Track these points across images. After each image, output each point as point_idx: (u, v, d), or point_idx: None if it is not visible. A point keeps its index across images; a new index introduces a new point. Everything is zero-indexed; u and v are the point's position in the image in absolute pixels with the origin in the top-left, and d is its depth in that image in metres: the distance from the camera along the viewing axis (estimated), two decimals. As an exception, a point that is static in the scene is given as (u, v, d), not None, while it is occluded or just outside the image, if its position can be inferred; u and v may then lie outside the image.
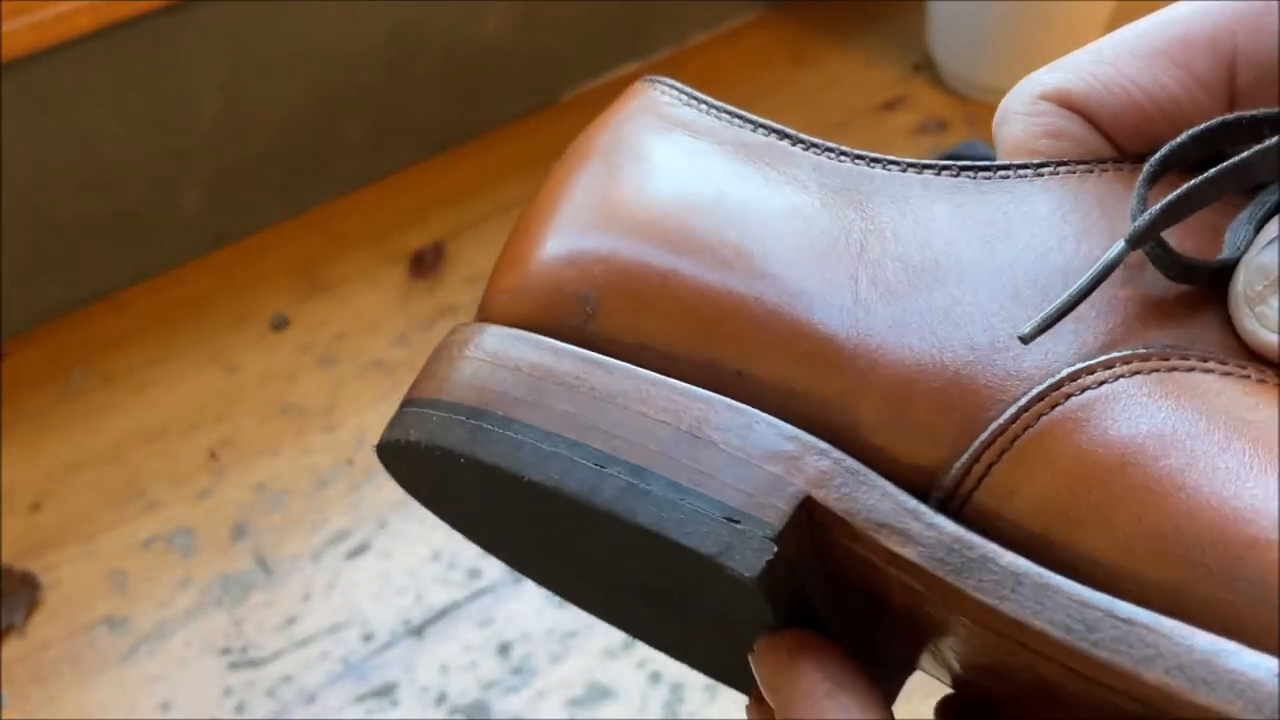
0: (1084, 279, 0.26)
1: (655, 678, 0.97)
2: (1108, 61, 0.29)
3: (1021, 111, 0.30)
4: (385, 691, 0.98)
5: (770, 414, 0.28)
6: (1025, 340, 0.26)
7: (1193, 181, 0.26)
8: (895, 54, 1.53)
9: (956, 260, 0.28)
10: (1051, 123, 0.29)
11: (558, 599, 1.02)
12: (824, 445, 0.27)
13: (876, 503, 0.26)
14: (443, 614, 1.02)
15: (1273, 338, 0.25)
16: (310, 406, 1.19)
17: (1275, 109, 0.27)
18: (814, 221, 0.29)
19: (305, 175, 1.37)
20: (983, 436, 0.26)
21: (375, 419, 1.17)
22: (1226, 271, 0.27)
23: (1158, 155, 0.27)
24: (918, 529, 0.26)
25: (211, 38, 1.23)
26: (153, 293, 1.30)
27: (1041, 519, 0.26)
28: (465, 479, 0.30)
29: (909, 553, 0.26)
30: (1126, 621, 0.24)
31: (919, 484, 0.27)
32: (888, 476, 0.27)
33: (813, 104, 1.47)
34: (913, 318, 0.28)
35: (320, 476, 1.13)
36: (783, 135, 0.31)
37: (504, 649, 1.00)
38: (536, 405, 0.28)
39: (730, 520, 0.26)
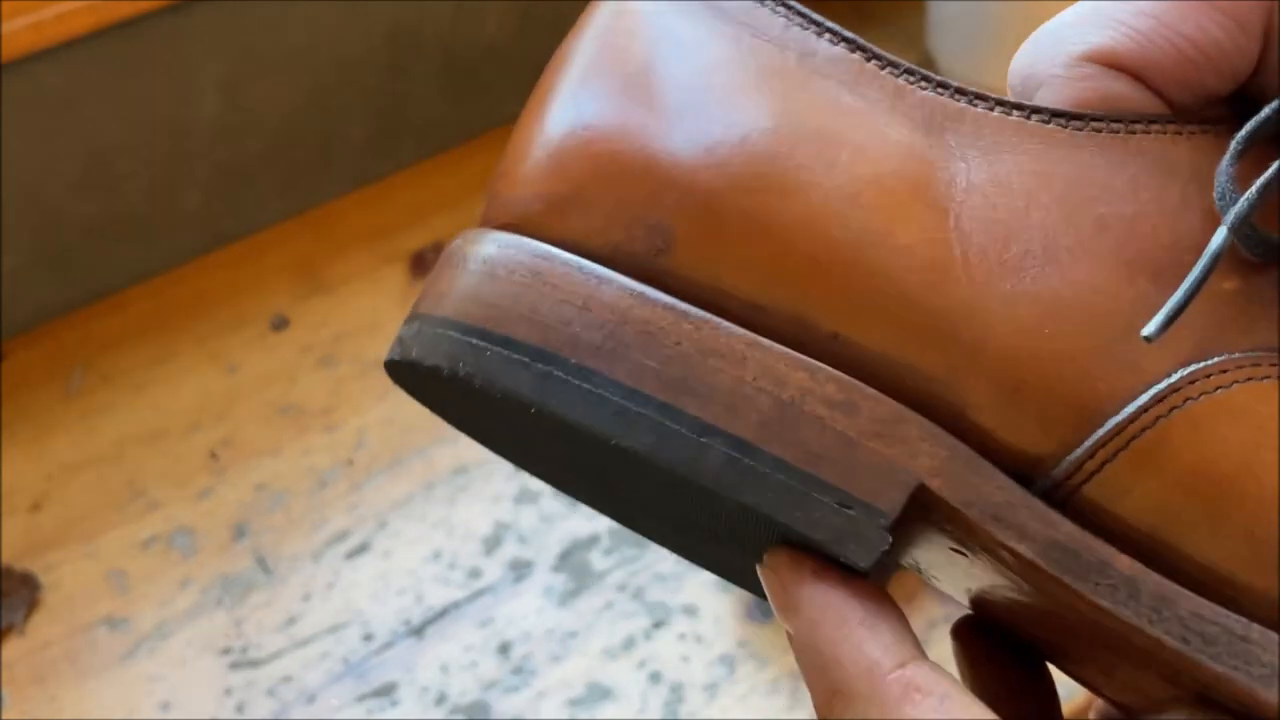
0: (1195, 272, 0.25)
1: (655, 678, 0.97)
2: (1147, 13, 0.27)
3: (1063, 75, 0.28)
4: (385, 691, 0.98)
5: (867, 384, 0.26)
6: (1150, 339, 0.25)
7: None
8: (895, 54, 1.53)
9: (1063, 233, 0.26)
10: (1101, 86, 0.27)
11: (558, 598, 1.02)
12: (935, 428, 0.25)
13: (992, 494, 0.25)
14: (443, 614, 1.02)
15: None
16: (310, 406, 1.19)
17: None
18: (907, 166, 0.27)
19: (305, 175, 1.37)
20: (1099, 434, 0.25)
21: (376, 419, 1.17)
22: None
23: (1245, 131, 0.26)
24: (1035, 527, 0.25)
25: (211, 38, 1.23)
26: (153, 293, 1.30)
27: (1151, 520, 0.25)
28: (518, 417, 0.27)
29: (1024, 549, 0.25)
30: (1243, 639, 0.23)
31: (1024, 470, 0.26)
32: (992, 460, 0.26)
33: (813, 104, 1.47)
34: (1026, 299, 0.26)
35: (320, 476, 1.13)
36: (855, 47, 0.28)
37: (504, 649, 1.00)
38: (615, 356, 0.25)
39: (842, 505, 0.25)
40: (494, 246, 0.27)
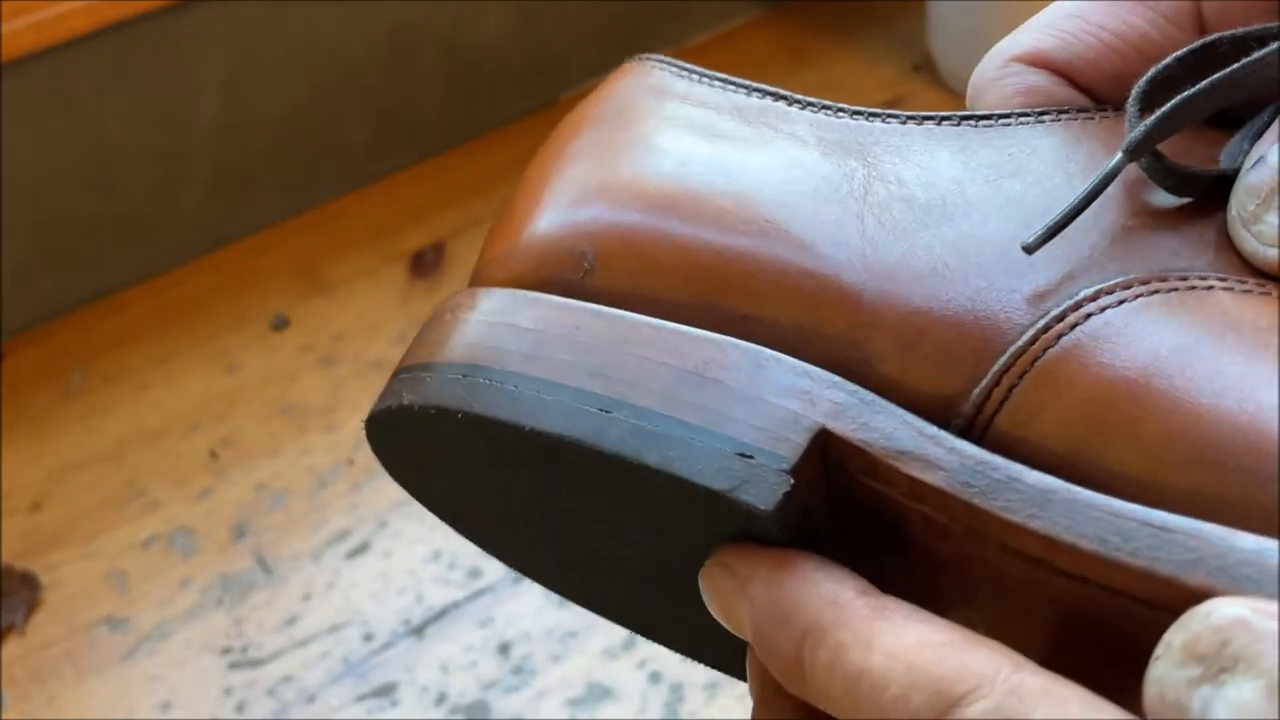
0: (1084, 189, 0.26)
1: (655, 678, 0.97)
2: (1074, 14, 0.29)
3: (994, 77, 0.30)
4: (385, 691, 0.98)
5: (777, 352, 0.27)
6: (1030, 250, 0.26)
7: (1186, 93, 0.26)
8: (895, 54, 1.53)
9: (963, 198, 0.28)
10: (1023, 81, 0.30)
11: (557, 598, 1.02)
12: (838, 379, 0.26)
13: (895, 430, 0.26)
14: (443, 614, 1.02)
15: (1273, 253, 0.26)
16: (310, 406, 1.19)
17: (1258, 26, 0.27)
18: (815, 169, 0.29)
19: (305, 175, 1.37)
20: (1001, 360, 0.26)
21: (375, 419, 1.17)
22: (1224, 186, 0.27)
23: (1146, 76, 0.27)
24: (939, 454, 0.25)
25: (211, 38, 1.23)
26: (153, 293, 1.30)
27: (1066, 439, 0.25)
28: (461, 443, 0.29)
29: (932, 478, 0.25)
30: (1162, 529, 0.23)
31: (936, 413, 0.26)
32: (906, 407, 0.26)
33: (813, 104, 1.47)
34: (922, 251, 0.27)
35: (320, 476, 1.13)
36: (778, 96, 0.31)
37: (504, 649, 1.00)
38: (534, 357, 0.28)
39: (743, 455, 0.26)
40: (446, 302, 0.30)
